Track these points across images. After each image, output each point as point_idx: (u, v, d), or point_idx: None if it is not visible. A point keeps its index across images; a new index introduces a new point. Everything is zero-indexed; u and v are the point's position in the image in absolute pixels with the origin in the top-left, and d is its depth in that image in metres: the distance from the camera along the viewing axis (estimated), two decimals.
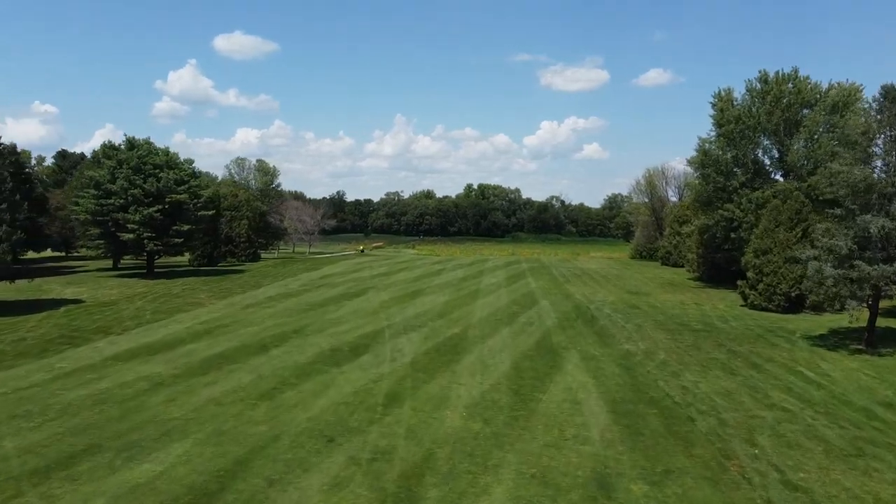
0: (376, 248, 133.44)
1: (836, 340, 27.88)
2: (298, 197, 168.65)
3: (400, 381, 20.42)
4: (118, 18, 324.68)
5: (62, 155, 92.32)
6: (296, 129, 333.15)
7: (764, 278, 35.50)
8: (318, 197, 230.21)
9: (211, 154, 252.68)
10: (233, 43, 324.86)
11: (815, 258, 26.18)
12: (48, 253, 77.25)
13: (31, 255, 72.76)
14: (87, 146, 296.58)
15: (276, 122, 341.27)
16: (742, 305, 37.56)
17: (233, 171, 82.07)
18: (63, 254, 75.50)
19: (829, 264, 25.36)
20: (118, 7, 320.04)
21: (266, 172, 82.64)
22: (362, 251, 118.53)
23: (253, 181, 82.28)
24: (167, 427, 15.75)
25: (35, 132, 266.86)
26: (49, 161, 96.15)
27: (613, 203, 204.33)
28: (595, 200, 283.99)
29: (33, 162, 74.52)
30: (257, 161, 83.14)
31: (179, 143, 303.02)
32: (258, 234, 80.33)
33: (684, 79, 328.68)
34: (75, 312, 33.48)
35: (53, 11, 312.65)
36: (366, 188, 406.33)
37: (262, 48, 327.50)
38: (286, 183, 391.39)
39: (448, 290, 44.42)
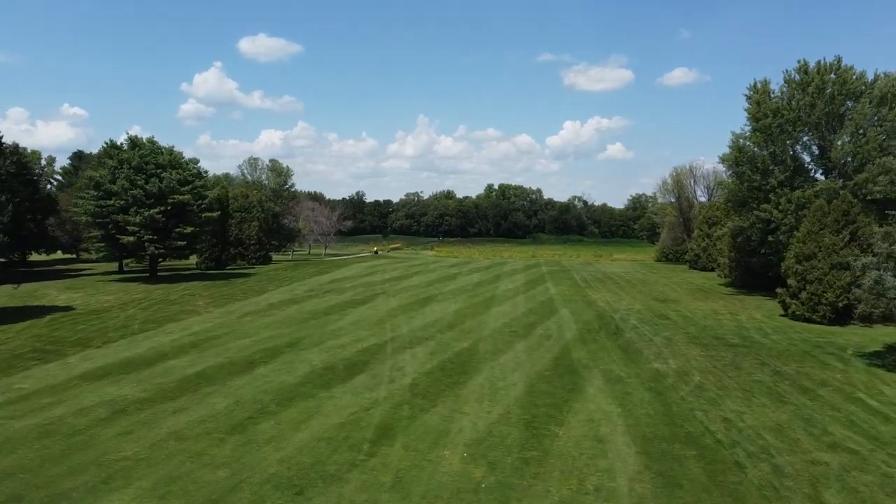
0: (394, 249, 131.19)
1: (895, 359, 24.64)
2: (317, 198, 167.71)
3: (395, 408, 17.76)
4: (144, 22, 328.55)
5: (78, 156, 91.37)
6: (319, 130, 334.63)
7: (807, 286, 32.24)
8: (341, 198, 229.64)
9: (236, 155, 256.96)
10: (257, 45, 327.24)
11: (874, 266, 23.04)
12: (58, 255, 76.29)
13: (39, 257, 71.88)
14: None
15: (300, 124, 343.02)
16: (782, 315, 34.29)
17: (245, 171, 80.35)
18: (73, 256, 74.27)
19: (890, 273, 22.22)
20: (144, 11, 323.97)
21: (279, 173, 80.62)
22: (376, 253, 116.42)
23: (266, 181, 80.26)
24: (111, 470, 13.27)
25: (64, 134, 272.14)
26: (66, 162, 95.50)
27: (637, 203, 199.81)
28: (618, 201, 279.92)
29: (43, 163, 73.28)
30: (270, 161, 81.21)
31: (204, 145, 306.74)
32: (270, 235, 78.43)
33: (710, 77, 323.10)
34: (60, 321, 31.38)
35: (80, 15, 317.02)
36: (388, 189, 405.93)
37: (286, 50, 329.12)
38: (309, 184, 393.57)
39: (462, 297, 41.70)
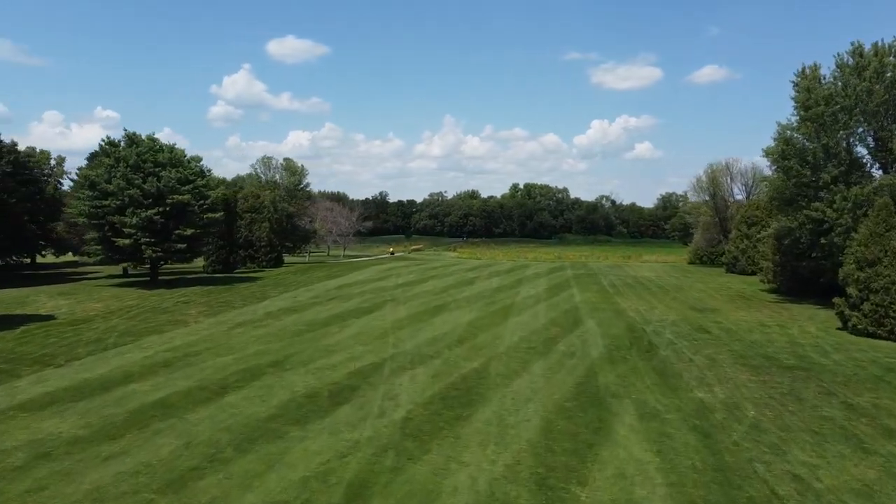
0: (415, 250, 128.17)
1: None
2: (338, 198, 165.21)
3: (378, 455, 14.38)
4: (174, 25, 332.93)
5: (94, 155, 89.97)
6: (346, 131, 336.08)
7: (871, 296, 28.09)
8: (364, 198, 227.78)
9: (264, 157, 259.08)
10: (285, 47, 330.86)
11: None
12: (69, 257, 74.58)
13: (49, 259, 70.21)
14: None
15: (327, 125, 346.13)
16: (840, 329, 30.14)
17: (259, 170, 77.64)
18: (78, 258, 72.46)
19: None
20: (174, 14, 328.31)
21: (294, 172, 77.76)
22: (392, 253, 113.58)
23: (280, 181, 77.47)
24: None
25: (98, 137, 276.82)
26: (83, 162, 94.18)
27: (668, 203, 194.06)
28: (647, 201, 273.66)
29: (52, 163, 71.61)
30: (284, 160, 78.35)
31: (233, 146, 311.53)
32: (284, 237, 75.86)
33: (740, 75, 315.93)
34: (33, 333, 28.63)
35: (112, 19, 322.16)
36: (415, 189, 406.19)
37: (313, 51, 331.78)
38: (335, 184, 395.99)
39: (477, 305, 38.20)
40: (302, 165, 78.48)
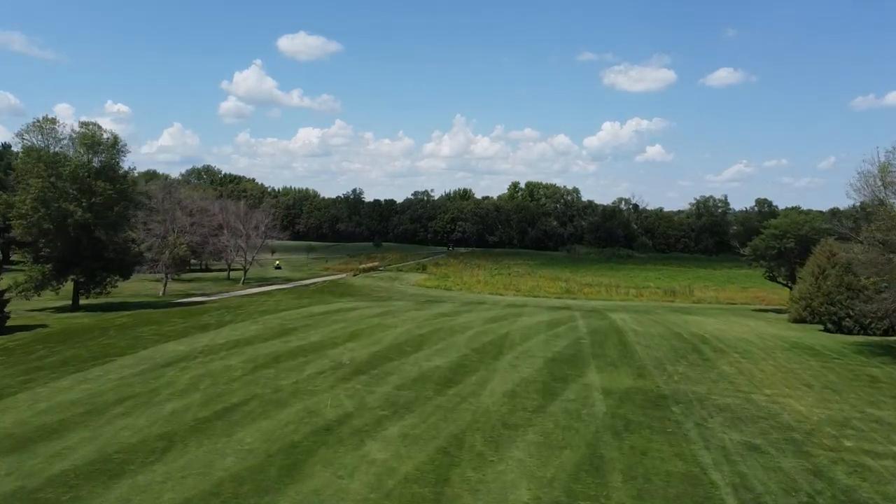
0: (367, 269, 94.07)
1: None
2: (308, 195, 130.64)
3: None
4: (186, 20, 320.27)
5: None
6: (356, 129, 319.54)
7: None
8: (336, 196, 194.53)
9: (274, 153, 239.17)
10: (297, 43, 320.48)
11: None
12: None
13: None
14: (155, 144, 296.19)
15: (338, 122, 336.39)
16: None
17: (35, 141, 42.64)
18: None
19: None
20: (186, 9, 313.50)
21: (94, 146, 42.73)
22: (278, 267, 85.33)
23: (72, 154, 42.50)
24: None
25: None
26: None
27: (703, 208, 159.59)
28: (661, 204, 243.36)
29: None
30: (81, 125, 42.88)
31: (243, 143, 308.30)
32: (70, 263, 41.78)
33: (756, 78, 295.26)
34: None
35: (124, 13, 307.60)
36: (423, 189, 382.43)
37: (325, 48, 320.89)
38: (344, 182, 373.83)
39: None
40: (116, 137, 44.05)
